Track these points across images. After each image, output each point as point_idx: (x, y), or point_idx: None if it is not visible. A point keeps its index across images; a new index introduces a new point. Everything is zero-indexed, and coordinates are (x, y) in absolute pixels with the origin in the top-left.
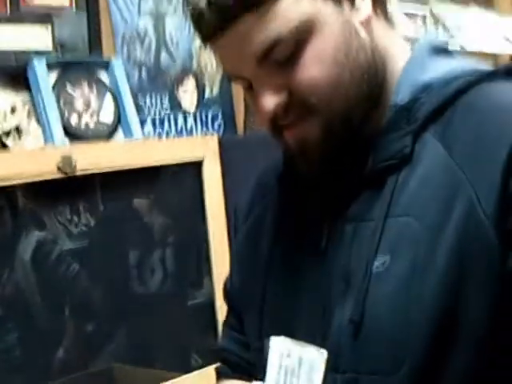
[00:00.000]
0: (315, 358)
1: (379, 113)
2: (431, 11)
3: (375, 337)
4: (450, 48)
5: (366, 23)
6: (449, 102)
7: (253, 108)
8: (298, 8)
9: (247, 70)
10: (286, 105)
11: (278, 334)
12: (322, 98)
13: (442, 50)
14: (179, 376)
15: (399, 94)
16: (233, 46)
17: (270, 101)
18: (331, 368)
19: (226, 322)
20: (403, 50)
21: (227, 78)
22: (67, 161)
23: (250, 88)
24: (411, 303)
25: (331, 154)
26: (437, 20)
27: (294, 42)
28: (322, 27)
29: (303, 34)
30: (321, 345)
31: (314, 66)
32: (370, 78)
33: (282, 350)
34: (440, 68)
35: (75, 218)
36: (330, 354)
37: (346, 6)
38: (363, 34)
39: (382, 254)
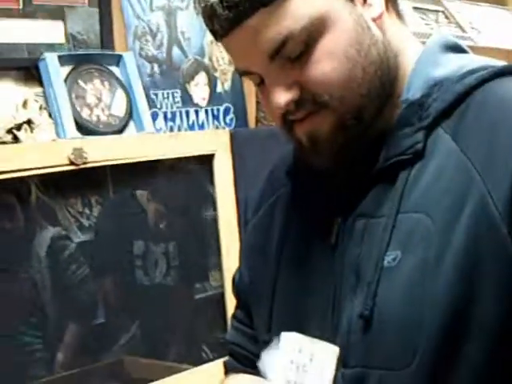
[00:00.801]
0: (327, 354)
1: (391, 108)
2: (444, 7)
3: (385, 331)
4: (462, 44)
5: (378, 19)
6: (461, 98)
7: (263, 103)
8: (310, 4)
9: (259, 66)
10: (298, 100)
11: (287, 327)
12: (333, 94)
13: (453, 46)
14: (190, 368)
15: (411, 90)
16: (245, 42)
17: (282, 97)
18: (341, 363)
19: (234, 316)
20: (414, 46)
21: (238, 74)
22: (78, 153)
23: (260, 84)
24: (423, 298)
25: (342, 148)
26: (449, 16)
27: (305, 38)
28: (333, 23)
29: (315, 30)
30: (331, 339)
31: (326, 62)
32: (383, 74)
33: (293, 346)
34: (452, 64)
35: (86, 211)
36: (339, 348)
37: (358, 2)
38: (375, 30)
39: (392, 249)
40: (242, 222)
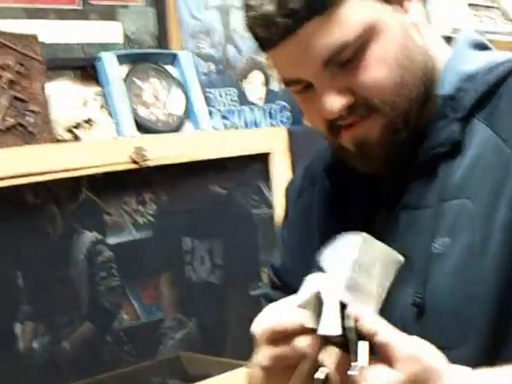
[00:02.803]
0: (390, 259)
1: (428, 105)
2: (499, 3)
3: (438, 315)
4: (486, 41)
5: (417, 24)
6: (493, 88)
7: (306, 110)
8: (362, 12)
9: (310, 74)
10: (350, 105)
11: None
12: (385, 99)
13: (480, 45)
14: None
15: (445, 86)
16: (298, 50)
17: (335, 102)
18: None
19: (265, 296)
20: (443, 45)
21: (284, 84)
22: (140, 151)
23: (304, 91)
24: (472, 279)
25: (391, 152)
26: (504, 12)
27: (358, 44)
28: (383, 30)
29: (367, 38)
30: None
31: (378, 68)
32: (426, 76)
33: (359, 246)
34: (481, 59)
35: (141, 208)
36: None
37: (401, 9)
38: (416, 35)
39: (440, 236)
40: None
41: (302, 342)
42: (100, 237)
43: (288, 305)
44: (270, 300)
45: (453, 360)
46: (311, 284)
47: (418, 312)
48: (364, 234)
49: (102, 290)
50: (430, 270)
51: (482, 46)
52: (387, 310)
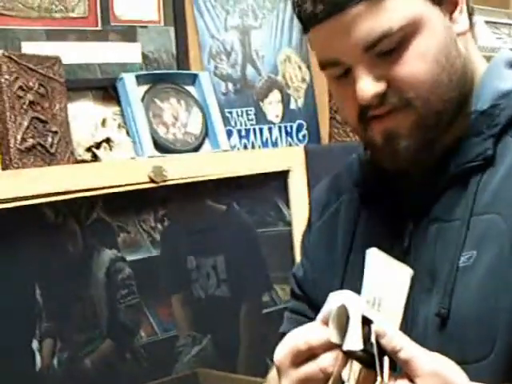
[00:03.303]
0: (403, 273)
1: (462, 119)
2: None
3: (462, 327)
4: None
5: (463, 36)
6: None
7: (340, 98)
8: (409, 5)
9: (351, 56)
10: (384, 95)
11: None
12: (420, 94)
13: None
14: (264, 382)
15: (479, 102)
16: (341, 30)
17: (370, 87)
18: None
19: (289, 309)
20: (483, 64)
21: (320, 66)
22: (158, 171)
23: (341, 76)
24: (499, 291)
25: (418, 149)
26: None
27: (401, 36)
28: (427, 27)
29: (410, 31)
30: None
31: (417, 62)
32: (462, 85)
33: (377, 262)
34: None
35: (159, 226)
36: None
37: (448, 16)
38: (460, 45)
39: (468, 249)
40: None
41: (328, 358)
42: (119, 254)
43: (310, 325)
44: (292, 311)
45: (477, 373)
46: (334, 300)
47: (441, 322)
48: (375, 250)
49: (122, 308)
50: (456, 283)
51: None
52: (410, 321)
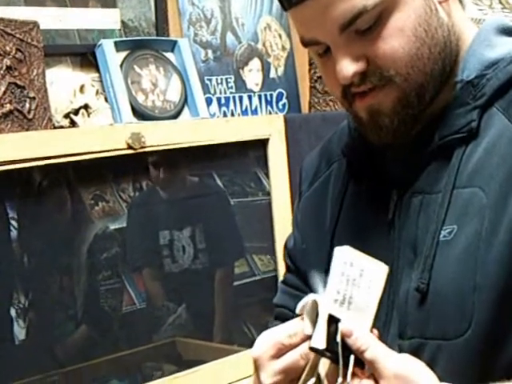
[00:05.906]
0: (377, 270)
1: (447, 89)
2: None
3: (441, 302)
4: None
5: (445, 3)
6: None
7: (324, 76)
8: None
9: (328, 37)
10: (364, 73)
11: None
12: (400, 70)
13: (508, 30)
14: (241, 351)
15: (465, 71)
16: (318, 11)
17: (350, 67)
18: (397, 335)
19: (283, 281)
20: (472, 30)
21: (302, 44)
22: (137, 137)
23: (324, 54)
24: (476, 269)
25: (402, 124)
26: (503, 1)
27: (377, 13)
28: (404, 2)
29: (387, 7)
30: (387, 313)
31: (395, 38)
32: (445, 56)
33: (345, 259)
34: (506, 46)
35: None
36: (396, 321)
37: None
38: (442, 13)
39: (449, 223)
40: (296, 191)
41: (307, 348)
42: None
43: (290, 321)
44: (286, 283)
45: (455, 349)
46: (309, 298)
47: (421, 297)
48: (348, 247)
49: (100, 279)
50: (436, 257)
51: (510, 32)
52: (393, 294)
